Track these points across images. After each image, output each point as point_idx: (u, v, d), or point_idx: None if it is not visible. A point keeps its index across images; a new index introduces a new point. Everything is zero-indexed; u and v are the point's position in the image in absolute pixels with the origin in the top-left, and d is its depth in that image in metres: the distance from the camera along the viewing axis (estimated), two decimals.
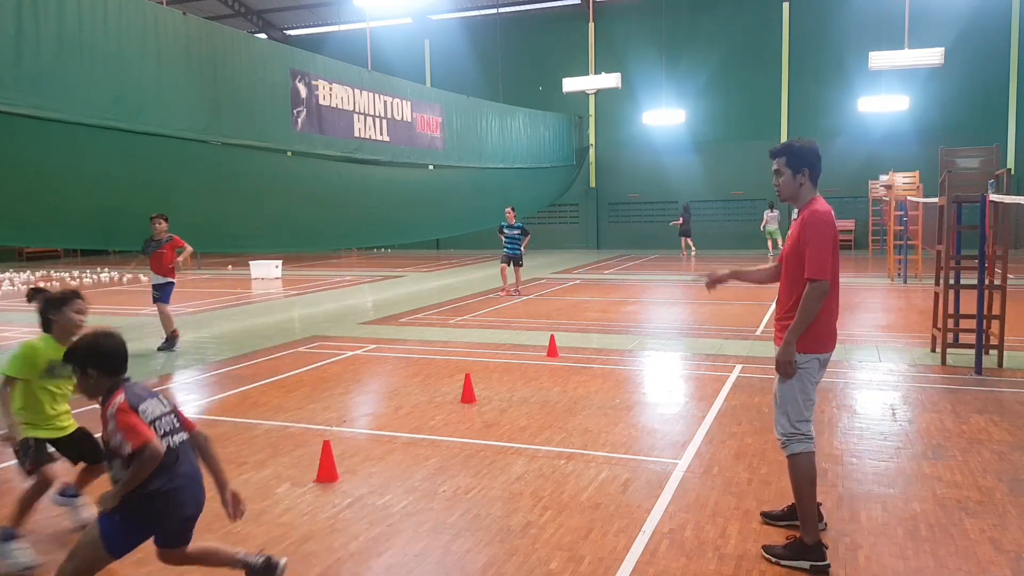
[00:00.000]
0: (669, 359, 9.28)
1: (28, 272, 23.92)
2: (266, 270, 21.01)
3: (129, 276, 21.91)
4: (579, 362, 9.04)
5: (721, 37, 27.63)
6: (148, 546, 4.29)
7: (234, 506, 3.58)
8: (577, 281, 18.57)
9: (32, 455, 4.27)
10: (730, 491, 4.93)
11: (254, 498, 5.00)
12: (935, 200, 10.55)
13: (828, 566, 3.90)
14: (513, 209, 15.71)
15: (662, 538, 4.27)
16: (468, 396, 7.29)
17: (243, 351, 10.23)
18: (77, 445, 4.54)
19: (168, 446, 3.32)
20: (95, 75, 8.91)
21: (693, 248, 25.77)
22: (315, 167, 13.22)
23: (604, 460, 5.59)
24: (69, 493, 4.62)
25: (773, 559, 3.94)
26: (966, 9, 24.46)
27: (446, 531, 4.43)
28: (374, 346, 10.38)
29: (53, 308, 4.27)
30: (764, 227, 25.32)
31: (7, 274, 22.89)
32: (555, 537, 4.31)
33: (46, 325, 4.30)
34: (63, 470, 4.52)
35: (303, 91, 12.15)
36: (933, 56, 18.57)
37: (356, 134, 13.43)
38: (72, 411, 4.63)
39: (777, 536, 4.24)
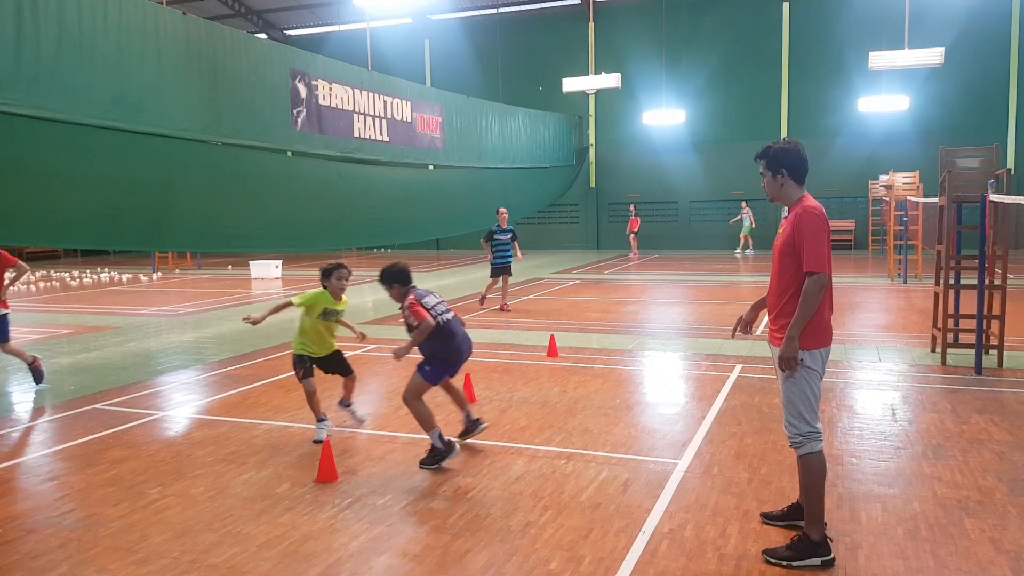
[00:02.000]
0: (669, 359, 9.28)
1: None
2: (266, 270, 21.01)
3: (129, 276, 21.91)
4: (579, 362, 9.04)
5: (721, 37, 27.63)
6: (147, 546, 4.30)
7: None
8: (577, 281, 18.57)
9: (306, 368, 6.20)
10: (730, 491, 4.93)
11: (254, 498, 5.00)
12: (935, 200, 10.55)
13: (834, 560, 3.93)
14: (507, 211, 14.17)
15: (662, 538, 4.27)
16: (468, 396, 7.28)
17: (243, 351, 10.23)
18: (336, 362, 6.48)
19: (438, 322, 5.53)
20: (95, 75, 8.90)
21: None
22: (315, 167, 13.21)
23: (604, 460, 5.58)
24: (346, 403, 6.61)
25: (782, 563, 3.91)
26: (966, 9, 24.46)
27: (446, 531, 4.43)
28: (374, 346, 10.37)
29: (325, 277, 6.28)
30: (736, 223, 25.88)
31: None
32: (555, 537, 4.31)
33: (324, 286, 6.28)
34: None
35: (303, 91, 12.14)
36: (933, 56, 18.57)
37: (356, 134, 13.42)
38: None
39: (777, 536, 4.24)
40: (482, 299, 14.13)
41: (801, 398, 3.98)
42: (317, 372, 6.31)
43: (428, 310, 5.50)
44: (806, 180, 4.09)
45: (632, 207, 27.06)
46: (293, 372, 6.30)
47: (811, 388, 3.98)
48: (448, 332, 5.58)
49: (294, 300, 6.18)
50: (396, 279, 5.66)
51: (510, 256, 13.84)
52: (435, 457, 5.45)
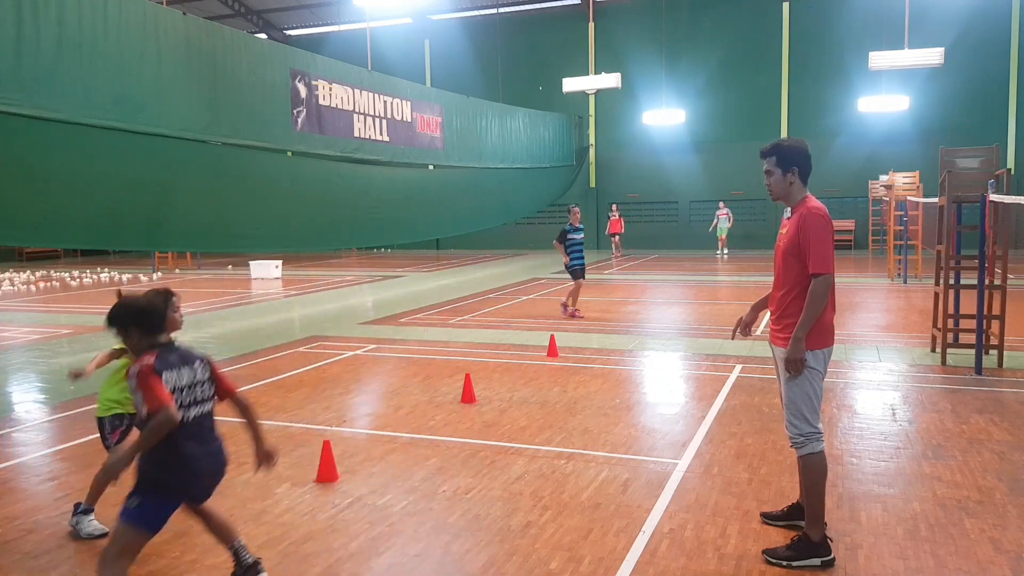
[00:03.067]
0: (669, 359, 9.28)
1: (28, 272, 23.91)
2: (266, 270, 21.01)
3: (129, 276, 21.91)
4: (579, 362, 9.04)
5: (721, 37, 27.62)
6: (147, 546, 4.29)
7: (266, 460, 3.82)
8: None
9: (122, 430, 4.60)
10: (730, 491, 4.93)
11: (254, 498, 5.00)
12: (935, 200, 10.55)
13: (834, 560, 3.93)
14: (579, 208, 13.22)
15: (662, 538, 4.27)
16: (468, 396, 7.29)
17: (243, 351, 10.23)
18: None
19: (184, 419, 3.39)
20: (95, 75, 8.89)
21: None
22: (315, 167, 13.20)
23: (604, 460, 5.58)
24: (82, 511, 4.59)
25: (783, 563, 3.91)
26: (966, 9, 24.46)
27: (446, 531, 4.43)
28: (374, 346, 10.37)
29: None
30: (714, 228, 25.62)
31: (7, 274, 22.89)
32: (555, 537, 4.31)
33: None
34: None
35: (303, 91, 12.14)
36: (933, 56, 18.57)
37: (356, 134, 13.41)
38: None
39: (777, 536, 4.24)
40: (566, 307, 12.66)
41: (803, 398, 3.98)
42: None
43: (165, 387, 3.29)
44: (809, 180, 4.09)
45: (614, 207, 26.94)
46: (102, 441, 4.67)
47: (813, 388, 3.98)
48: (182, 438, 3.39)
49: (115, 346, 4.59)
50: (134, 320, 3.45)
51: (583, 256, 12.84)
52: None
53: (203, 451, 3.54)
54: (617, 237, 26.34)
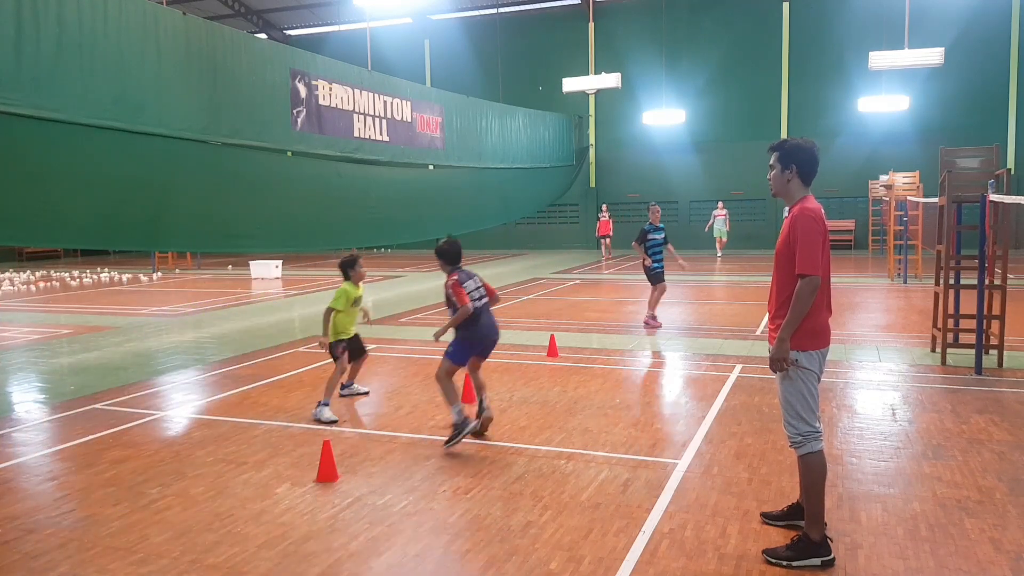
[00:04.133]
0: (669, 359, 9.28)
1: (28, 272, 23.91)
2: (266, 270, 21.01)
3: (129, 276, 21.91)
4: (579, 362, 9.04)
5: (721, 37, 27.62)
6: (147, 546, 4.30)
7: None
8: (577, 281, 18.57)
9: (342, 348, 7.15)
10: (730, 491, 4.93)
11: (254, 498, 5.00)
12: (935, 200, 10.55)
13: (834, 560, 3.94)
14: (659, 207, 12.09)
15: (662, 538, 4.27)
16: (468, 396, 7.28)
17: (243, 351, 10.23)
18: (357, 344, 7.47)
19: (476, 307, 6.03)
20: (95, 75, 8.89)
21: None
22: (315, 167, 13.19)
23: (604, 460, 5.58)
24: (347, 385, 7.63)
25: (783, 563, 3.92)
26: (966, 9, 24.46)
27: (446, 531, 4.43)
28: (374, 346, 10.37)
29: (350, 267, 7.25)
30: (710, 228, 25.04)
31: (7, 274, 22.89)
32: (555, 537, 4.31)
33: (345, 276, 7.25)
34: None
35: (303, 91, 12.13)
36: (933, 56, 18.56)
37: (356, 134, 13.40)
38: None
39: (777, 536, 4.24)
40: (650, 318, 11.60)
41: (798, 398, 3.98)
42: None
43: (467, 293, 5.99)
44: (812, 182, 4.09)
45: (604, 207, 26.30)
46: (330, 357, 7.21)
47: (808, 389, 3.98)
48: (474, 318, 6.02)
49: (335, 306, 7.08)
50: (444, 256, 6.26)
51: (663, 259, 11.70)
52: (456, 433, 5.86)
53: (488, 322, 6.18)
54: (607, 239, 25.59)
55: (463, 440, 5.95)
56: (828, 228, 4.05)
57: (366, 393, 7.69)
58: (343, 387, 7.62)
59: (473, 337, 6.09)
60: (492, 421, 6.31)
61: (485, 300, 6.19)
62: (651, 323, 11.51)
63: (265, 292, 17.78)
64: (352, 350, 7.37)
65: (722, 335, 10.61)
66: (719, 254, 24.81)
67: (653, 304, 11.67)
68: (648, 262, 11.49)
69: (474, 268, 18.99)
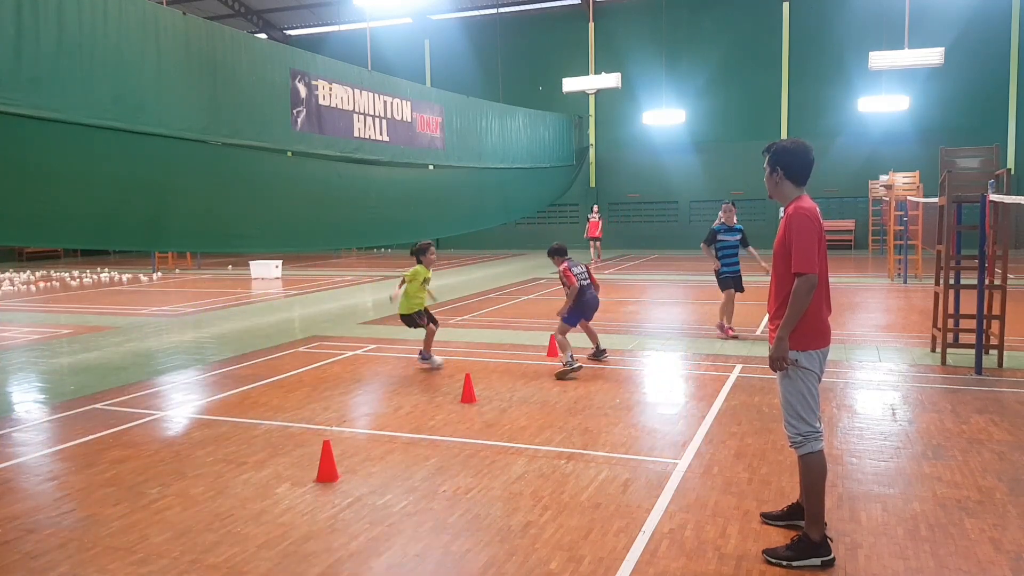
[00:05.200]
0: (669, 359, 9.28)
1: (28, 272, 23.91)
2: (266, 270, 21.01)
3: (129, 276, 21.92)
4: (579, 362, 9.02)
5: (721, 37, 27.63)
6: (147, 546, 4.30)
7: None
8: None
9: (426, 316, 8.95)
10: (730, 491, 4.93)
11: (254, 498, 5.00)
12: (935, 200, 10.55)
13: (834, 560, 3.94)
14: (734, 206, 10.94)
15: (662, 538, 4.27)
16: (468, 396, 7.29)
17: (243, 351, 10.23)
18: (428, 313, 9.03)
19: (582, 285, 8.50)
20: (95, 75, 8.89)
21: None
22: (315, 167, 13.19)
23: (604, 460, 5.58)
24: (425, 356, 8.89)
25: (783, 563, 3.91)
26: (966, 9, 24.47)
27: (446, 531, 4.43)
28: (374, 346, 10.38)
29: (422, 253, 9.06)
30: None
31: (7, 274, 22.89)
32: (555, 537, 4.31)
33: (418, 260, 9.03)
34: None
35: (303, 91, 12.13)
36: (933, 56, 18.57)
37: (356, 134, 13.40)
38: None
39: (777, 536, 4.24)
40: (722, 327, 10.47)
41: (798, 398, 3.98)
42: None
43: (575, 276, 8.45)
44: (807, 182, 4.09)
45: (595, 207, 24.50)
46: (416, 325, 8.90)
47: (808, 388, 3.98)
48: (580, 292, 8.47)
49: (409, 278, 8.84)
50: (557, 253, 8.79)
51: (738, 261, 10.73)
52: (567, 369, 8.18)
53: (591, 295, 8.65)
54: (598, 242, 23.76)
55: (461, 440, 5.92)
56: (825, 227, 4.06)
57: (440, 367, 8.81)
58: (421, 356, 8.94)
59: (581, 306, 8.55)
60: (607, 353, 9.10)
61: (588, 280, 8.65)
62: (730, 332, 10.30)
63: (265, 292, 17.78)
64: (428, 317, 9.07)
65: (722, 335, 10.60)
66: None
67: (723, 311, 10.44)
68: (717, 266, 10.47)
69: (474, 268, 19.06)
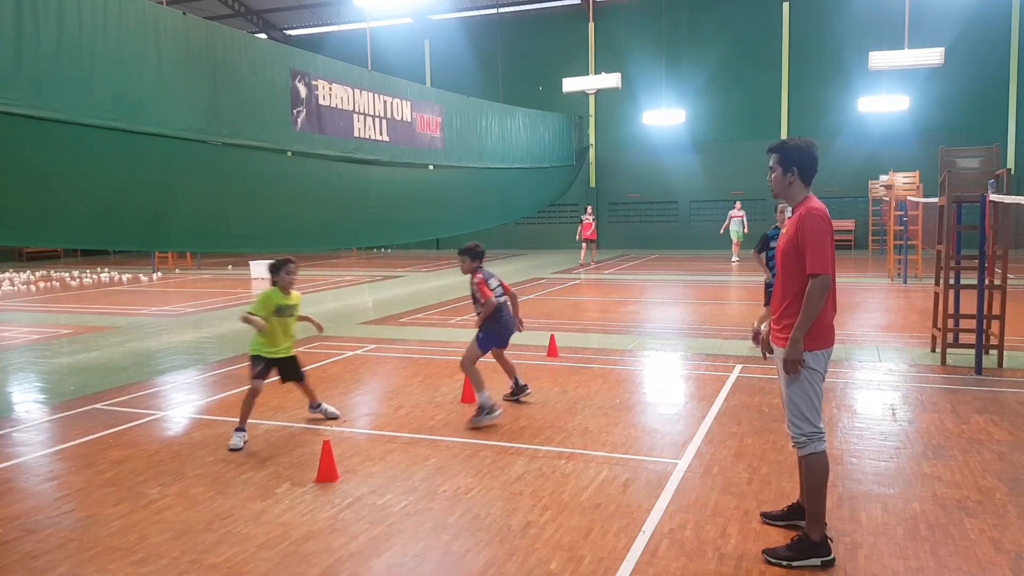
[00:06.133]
0: (669, 359, 9.28)
1: (28, 272, 23.91)
2: (266, 270, 20.98)
3: (129, 276, 21.91)
4: (579, 362, 9.03)
5: (721, 37, 27.62)
6: (147, 546, 4.30)
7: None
8: (577, 281, 18.57)
9: (260, 368, 6.28)
10: (730, 491, 4.93)
11: (254, 498, 5.00)
12: (935, 200, 10.55)
13: (834, 560, 3.94)
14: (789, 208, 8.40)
15: (662, 538, 4.27)
16: (468, 396, 7.29)
17: (243, 351, 10.21)
18: (291, 368, 6.51)
19: (500, 303, 6.75)
20: (95, 75, 8.88)
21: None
22: (315, 167, 13.19)
23: (604, 460, 5.58)
24: (314, 406, 6.76)
25: (783, 563, 3.92)
26: (966, 9, 24.46)
27: (446, 531, 4.43)
28: (374, 346, 10.38)
29: (274, 272, 6.46)
30: (726, 229, 22.70)
31: (7, 274, 22.89)
32: (555, 537, 4.31)
33: (273, 282, 6.46)
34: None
35: (303, 91, 12.13)
36: (933, 56, 18.56)
37: (356, 134, 13.40)
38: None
39: (777, 536, 4.24)
40: (757, 336, 8.46)
41: (804, 399, 3.98)
42: (282, 388, 6.76)
43: (492, 291, 6.73)
44: (813, 182, 4.09)
45: (588, 208, 23.61)
46: (254, 373, 6.33)
47: (813, 389, 3.98)
48: (498, 311, 6.76)
49: (253, 311, 6.30)
50: (470, 254, 6.83)
51: None
52: (481, 413, 6.43)
53: (509, 317, 6.90)
54: (589, 244, 22.73)
55: (461, 440, 5.94)
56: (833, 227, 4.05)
57: (336, 417, 6.79)
58: (311, 407, 6.79)
59: (497, 329, 6.80)
60: (529, 392, 7.38)
61: (505, 298, 6.90)
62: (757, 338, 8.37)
63: None
64: (286, 377, 6.54)
65: (722, 335, 10.61)
66: (735, 258, 22.72)
67: (761, 323, 8.58)
68: (768, 277, 8.74)
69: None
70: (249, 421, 6.26)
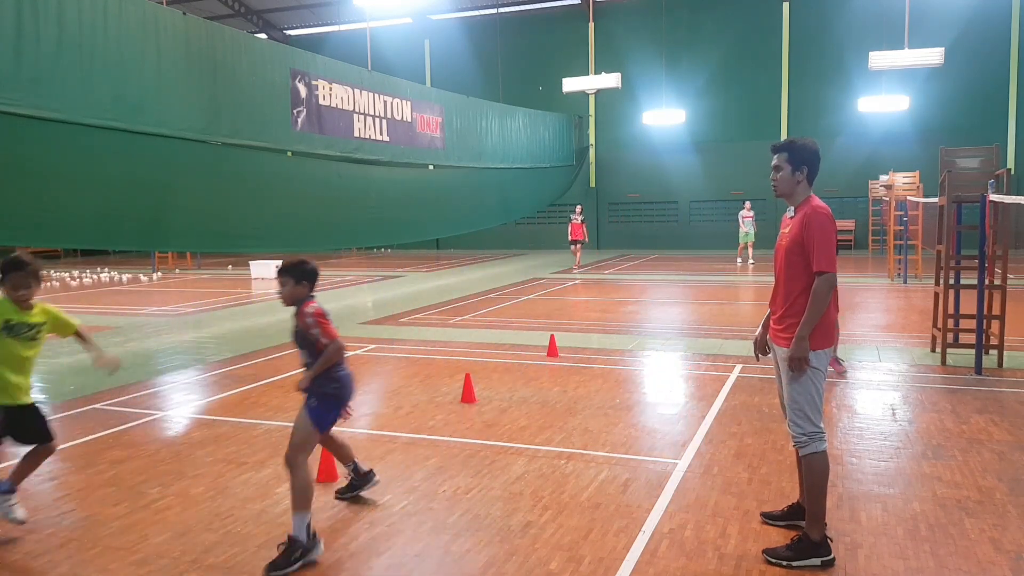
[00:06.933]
0: (669, 359, 9.28)
1: None
2: (266, 270, 21.00)
3: (129, 276, 21.91)
4: (579, 362, 9.03)
5: (721, 37, 27.62)
6: (147, 546, 4.30)
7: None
8: (577, 281, 18.57)
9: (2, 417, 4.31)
10: (730, 491, 4.93)
11: (254, 498, 5.00)
12: (935, 200, 10.55)
13: (834, 560, 3.94)
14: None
15: (662, 538, 4.27)
16: (468, 396, 7.29)
17: (243, 351, 10.23)
18: (27, 422, 4.41)
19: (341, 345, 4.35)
20: (95, 75, 8.89)
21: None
22: (315, 167, 13.20)
23: (604, 460, 5.58)
24: (3, 488, 4.45)
25: (783, 563, 3.92)
26: (966, 9, 24.46)
27: (446, 531, 4.43)
28: (374, 346, 10.37)
29: (6, 270, 4.34)
30: (740, 229, 21.64)
31: None
32: (555, 537, 4.31)
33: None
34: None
35: (303, 91, 12.13)
36: (933, 56, 18.56)
37: (356, 134, 13.41)
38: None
39: (777, 536, 4.24)
40: (839, 362, 8.21)
41: (806, 398, 3.98)
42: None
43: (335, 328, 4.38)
44: (815, 181, 4.12)
45: (578, 208, 22.42)
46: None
47: (816, 388, 3.98)
48: (339, 364, 4.39)
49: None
50: (301, 275, 4.49)
51: None
52: (292, 553, 3.96)
53: (346, 370, 4.45)
54: (579, 245, 21.85)
55: (461, 440, 5.92)
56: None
57: (22, 522, 4.52)
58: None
59: (336, 390, 4.36)
60: (377, 483, 4.96)
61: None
62: (841, 369, 8.20)
63: (265, 292, 17.77)
64: (20, 437, 4.43)
65: (722, 335, 10.61)
66: (750, 261, 21.48)
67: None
68: None
69: (474, 268, 18.89)
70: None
